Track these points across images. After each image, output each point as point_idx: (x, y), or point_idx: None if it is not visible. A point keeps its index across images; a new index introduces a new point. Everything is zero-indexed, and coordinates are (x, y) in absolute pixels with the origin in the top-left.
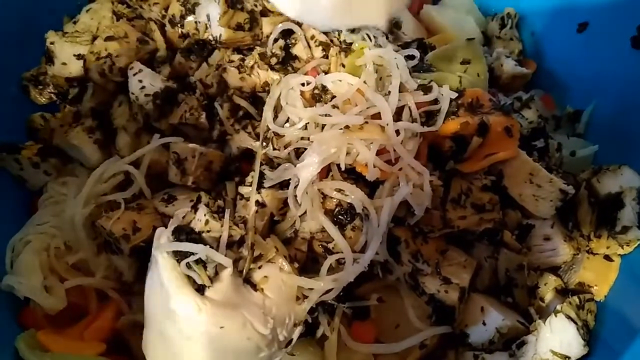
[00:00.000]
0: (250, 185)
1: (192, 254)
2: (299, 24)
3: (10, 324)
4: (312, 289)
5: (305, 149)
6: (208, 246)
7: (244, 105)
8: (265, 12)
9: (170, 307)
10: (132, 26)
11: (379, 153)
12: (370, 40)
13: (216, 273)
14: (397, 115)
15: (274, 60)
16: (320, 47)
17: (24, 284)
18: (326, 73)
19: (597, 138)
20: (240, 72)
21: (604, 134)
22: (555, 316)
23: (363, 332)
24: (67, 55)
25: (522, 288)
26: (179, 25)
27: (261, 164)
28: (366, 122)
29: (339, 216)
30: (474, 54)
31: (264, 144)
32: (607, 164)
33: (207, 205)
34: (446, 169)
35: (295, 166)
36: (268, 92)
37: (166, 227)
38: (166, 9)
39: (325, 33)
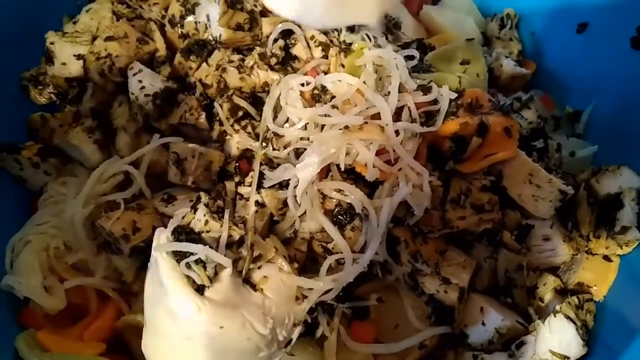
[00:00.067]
0: (250, 186)
1: (192, 254)
2: (297, 25)
3: (10, 323)
4: (311, 289)
5: (305, 149)
6: (207, 246)
7: (243, 106)
8: (265, 12)
9: (169, 307)
10: (132, 26)
11: (378, 153)
12: (370, 40)
13: (216, 273)
14: (397, 115)
15: (273, 61)
16: (320, 48)
17: (23, 284)
18: (326, 73)
19: (597, 138)
20: (240, 72)
21: (604, 135)
22: (555, 316)
23: (362, 332)
24: (67, 55)
25: (521, 288)
26: (178, 25)
27: (261, 164)
28: (366, 123)
29: (339, 216)
30: (474, 55)
31: (264, 144)
32: (606, 164)
33: (206, 205)
34: (446, 169)
35: (294, 166)
36: (268, 92)
37: (166, 227)
38: (166, 9)
39: (325, 33)
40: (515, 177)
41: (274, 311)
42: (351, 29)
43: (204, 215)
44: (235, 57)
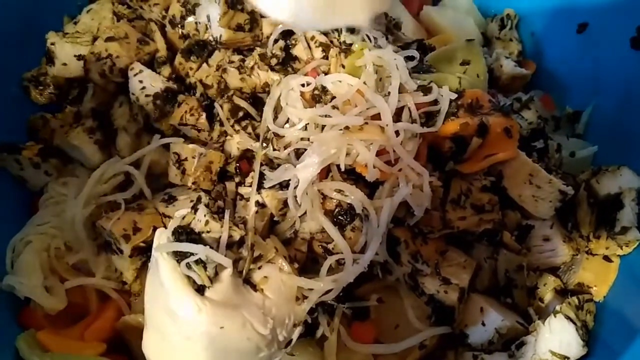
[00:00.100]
0: (250, 186)
1: (192, 254)
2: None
3: (11, 324)
4: (311, 289)
5: (305, 149)
6: (208, 246)
7: (244, 106)
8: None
9: (170, 307)
10: (132, 27)
11: (378, 154)
12: (370, 41)
13: (216, 273)
14: (397, 116)
15: (274, 61)
16: (320, 48)
17: (24, 284)
18: (326, 74)
19: (597, 139)
20: (240, 73)
21: (604, 135)
22: (555, 317)
23: (363, 332)
24: (68, 55)
25: (521, 289)
26: (179, 26)
27: (261, 165)
28: (366, 123)
29: (339, 217)
30: (474, 55)
31: (264, 144)
32: (606, 164)
33: (207, 205)
34: (446, 169)
35: (295, 167)
36: (268, 92)
37: (166, 228)
38: (166, 10)
39: (326, 34)
40: (516, 177)
41: (274, 311)
42: (351, 29)
43: (205, 215)
44: (236, 58)
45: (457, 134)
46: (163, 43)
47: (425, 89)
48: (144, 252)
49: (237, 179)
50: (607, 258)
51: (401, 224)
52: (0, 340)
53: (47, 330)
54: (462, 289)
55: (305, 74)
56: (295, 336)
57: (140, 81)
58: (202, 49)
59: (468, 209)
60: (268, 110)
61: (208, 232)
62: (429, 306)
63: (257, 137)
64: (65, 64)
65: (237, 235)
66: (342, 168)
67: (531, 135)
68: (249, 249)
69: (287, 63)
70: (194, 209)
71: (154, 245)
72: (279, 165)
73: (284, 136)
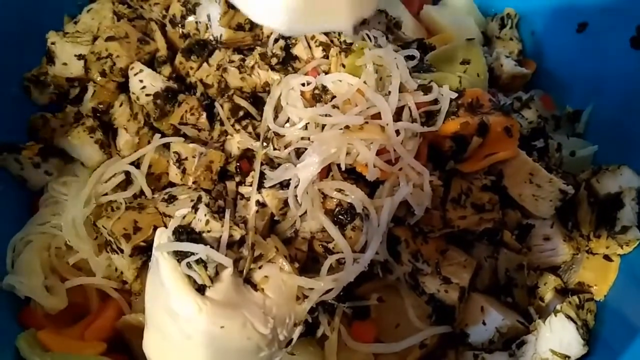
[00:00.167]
0: (251, 185)
1: (193, 254)
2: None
3: (11, 323)
4: (312, 288)
5: (306, 149)
6: (208, 246)
7: (244, 106)
8: None
9: (170, 307)
10: (132, 26)
11: (379, 153)
12: (371, 40)
13: (217, 273)
14: (397, 115)
15: (274, 61)
16: (321, 48)
17: (24, 284)
18: (326, 73)
19: (597, 138)
20: (240, 72)
21: (604, 134)
22: (555, 316)
23: (363, 331)
24: (68, 55)
25: (521, 288)
26: (179, 25)
27: (261, 164)
28: (366, 122)
29: (339, 216)
30: (474, 54)
31: (265, 144)
32: (606, 164)
33: (207, 205)
34: (446, 168)
35: (295, 166)
36: (268, 92)
37: (167, 227)
38: (167, 9)
39: (326, 33)
40: (516, 176)
41: (274, 311)
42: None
43: (205, 215)
44: (236, 57)
45: (457, 133)
46: (163, 42)
47: (426, 88)
48: (144, 252)
49: (237, 179)
50: (607, 257)
51: (401, 223)
52: (1, 339)
53: (48, 329)
54: (463, 288)
55: (306, 74)
56: (295, 335)
57: (141, 80)
58: (202, 49)
59: (468, 208)
60: (268, 110)
61: (208, 231)
62: (430, 305)
63: (257, 137)
64: (65, 64)
65: (237, 234)
66: (343, 167)
67: (531, 134)
68: (250, 249)
69: (287, 62)
70: (195, 208)
71: (155, 244)
72: (279, 164)
73: (284, 135)
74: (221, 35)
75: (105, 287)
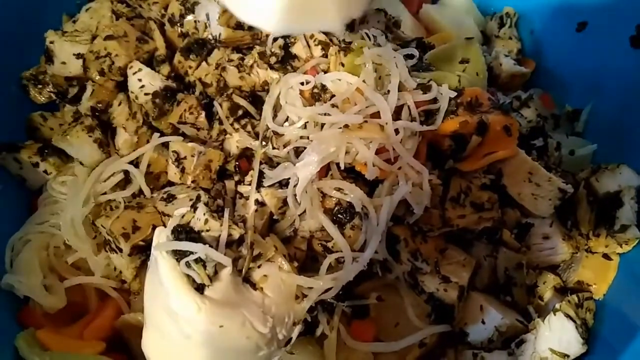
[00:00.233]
0: (250, 184)
1: (192, 253)
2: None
3: (10, 322)
4: (311, 287)
5: (305, 148)
6: (207, 245)
7: (243, 105)
8: None
9: (169, 306)
10: (131, 25)
11: (378, 152)
12: (370, 39)
13: (215, 272)
14: (396, 114)
15: (273, 60)
16: (320, 46)
17: (23, 283)
18: (325, 72)
19: (596, 137)
20: (239, 71)
21: (603, 133)
22: (554, 315)
23: (362, 330)
24: (67, 54)
25: (521, 287)
26: (178, 24)
27: (260, 163)
28: (365, 121)
29: (339, 215)
30: (473, 53)
31: (264, 143)
32: (605, 163)
33: (206, 204)
34: (445, 167)
35: (294, 165)
36: (267, 91)
37: (166, 226)
38: (165, 8)
39: (325, 32)
40: (515, 175)
41: (273, 310)
42: (350, 27)
43: (204, 214)
44: (235, 56)
45: (456, 132)
46: (162, 41)
47: (425, 87)
48: (143, 251)
49: (236, 178)
50: (606, 256)
51: (401, 222)
52: (0, 339)
53: (47, 329)
54: (462, 287)
55: (305, 73)
56: (294, 335)
57: (140, 80)
58: (201, 48)
59: (467, 207)
60: (267, 109)
61: (207, 230)
62: (429, 304)
63: (256, 136)
64: (64, 63)
65: (236, 233)
66: (342, 166)
67: (531, 133)
68: (249, 248)
69: (286, 61)
70: (194, 207)
71: (154, 243)
72: (278, 163)
73: (283, 135)
74: (220, 34)
75: (104, 286)
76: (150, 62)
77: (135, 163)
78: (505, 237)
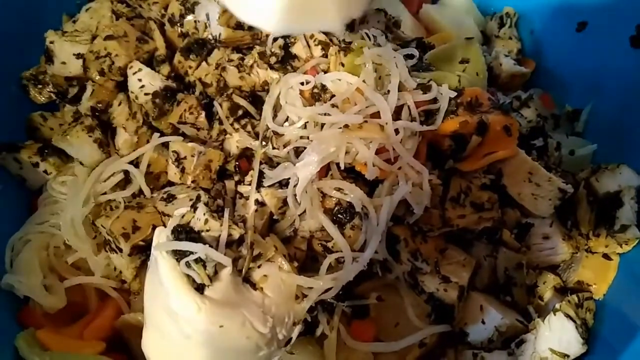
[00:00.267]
0: (250, 184)
1: (192, 253)
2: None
3: (10, 322)
4: (311, 287)
5: (305, 148)
6: (207, 245)
7: (243, 105)
8: None
9: (169, 306)
10: (131, 25)
11: (378, 152)
12: (370, 39)
13: (215, 272)
14: (397, 114)
15: (273, 60)
16: (320, 46)
17: (23, 283)
18: (325, 72)
19: (596, 137)
20: (239, 71)
21: (603, 133)
22: (554, 315)
23: (362, 330)
24: (67, 54)
25: (521, 287)
26: (178, 24)
27: (260, 163)
28: (365, 121)
29: (339, 215)
30: (473, 53)
31: (264, 143)
32: (605, 163)
33: (206, 204)
34: (445, 167)
35: (294, 165)
36: (267, 91)
37: (166, 226)
38: (165, 8)
39: (325, 32)
40: (515, 175)
41: (273, 310)
42: (350, 27)
43: (204, 214)
44: (235, 56)
45: (456, 132)
46: (162, 41)
47: (425, 87)
48: (143, 251)
49: (236, 178)
50: (606, 256)
51: (401, 222)
52: (0, 339)
53: (47, 329)
54: (462, 287)
55: (305, 73)
56: (294, 335)
57: (140, 80)
58: (201, 48)
59: (467, 207)
60: (267, 109)
61: (207, 230)
62: (429, 304)
63: (256, 136)
64: (64, 63)
65: (236, 233)
66: (342, 166)
67: (531, 133)
68: (249, 248)
69: (286, 61)
70: (194, 207)
71: (154, 243)
72: (278, 163)
73: (283, 135)
74: (220, 34)
75: (104, 286)
76: (150, 62)
77: (135, 163)
78: (505, 237)
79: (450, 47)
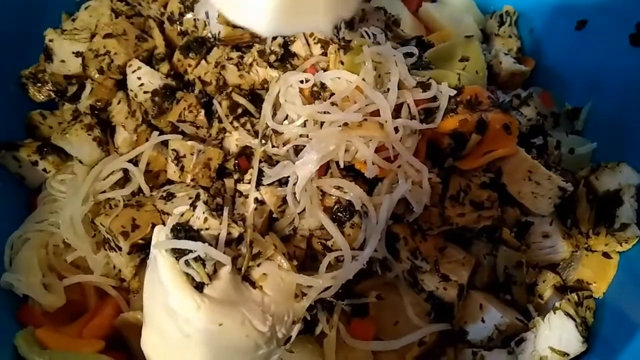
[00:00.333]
0: (249, 183)
1: (191, 251)
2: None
3: (9, 321)
4: (311, 286)
5: (304, 146)
6: (207, 244)
7: (242, 103)
8: None
9: (169, 305)
10: (130, 23)
11: (377, 150)
12: (369, 37)
13: (215, 271)
14: (396, 112)
15: (272, 58)
16: (319, 45)
17: (22, 282)
18: (325, 70)
19: (596, 135)
20: (239, 70)
21: (603, 132)
22: (554, 313)
23: (362, 329)
24: (66, 52)
25: (520, 285)
26: (177, 22)
27: (260, 162)
28: (365, 120)
29: (338, 213)
30: (473, 52)
31: (263, 141)
32: (605, 161)
33: (205, 202)
34: (445, 166)
35: (294, 163)
36: (267, 89)
37: (165, 225)
38: (165, 6)
39: None
40: (515, 174)
41: (273, 308)
42: (350, 26)
43: (203, 212)
44: (234, 55)
45: (456, 130)
46: (161, 40)
47: (424, 86)
48: (142, 249)
49: (235, 176)
50: (606, 255)
51: (400, 220)
52: None
53: (46, 327)
54: (461, 286)
55: (304, 71)
56: (294, 333)
57: (139, 78)
58: (200, 46)
59: (467, 205)
60: (267, 107)
61: (207, 229)
62: (428, 303)
63: (255, 134)
64: (63, 61)
65: (235, 232)
66: (341, 165)
67: (530, 131)
68: (248, 246)
69: (285, 60)
70: (193, 206)
71: (153, 242)
72: (277, 162)
73: (282, 133)
74: (219, 33)
75: (104, 284)
76: (150, 60)
77: (135, 161)
78: (505, 236)
79: (450, 46)
